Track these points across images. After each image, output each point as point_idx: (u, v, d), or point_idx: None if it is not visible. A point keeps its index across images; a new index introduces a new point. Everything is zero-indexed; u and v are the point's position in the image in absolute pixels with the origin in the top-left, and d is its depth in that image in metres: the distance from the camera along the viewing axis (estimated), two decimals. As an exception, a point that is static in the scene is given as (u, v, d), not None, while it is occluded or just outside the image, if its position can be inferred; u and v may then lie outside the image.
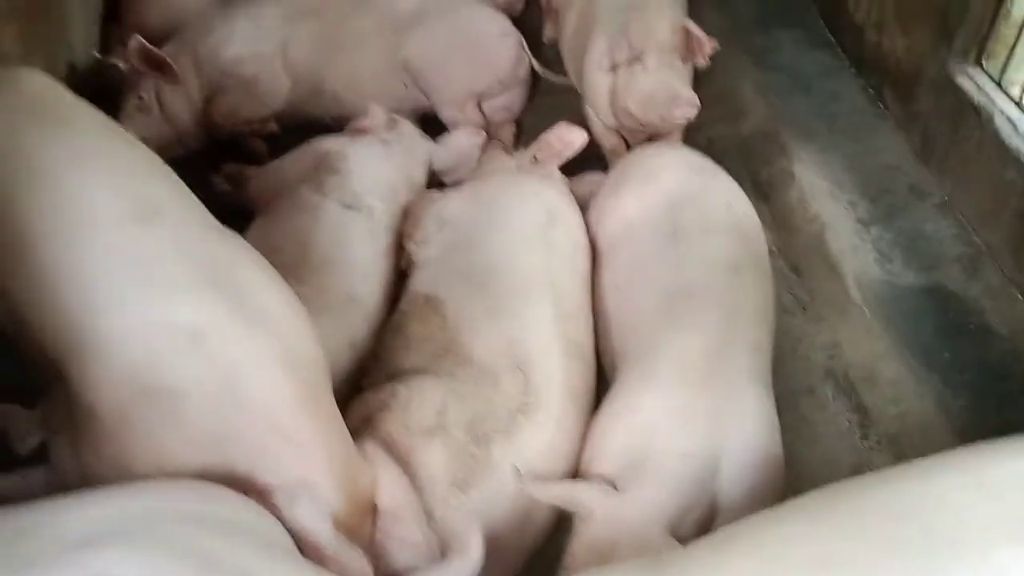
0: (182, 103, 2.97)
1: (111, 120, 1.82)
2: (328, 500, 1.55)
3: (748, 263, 2.13)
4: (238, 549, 1.32)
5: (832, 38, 3.57)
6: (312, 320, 2.07)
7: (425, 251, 2.34)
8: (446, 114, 3.03)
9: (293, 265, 2.24)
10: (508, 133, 3.13)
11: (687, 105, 2.63)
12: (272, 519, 1.48)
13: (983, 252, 2.63)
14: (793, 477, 2.11)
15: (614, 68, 2.77)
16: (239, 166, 2.79)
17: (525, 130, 3.17)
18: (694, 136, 2.97)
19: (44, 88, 1.83)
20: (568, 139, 2.52)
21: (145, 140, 2.66)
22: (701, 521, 1.75)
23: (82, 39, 3.23)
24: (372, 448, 1.74)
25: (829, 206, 2.78)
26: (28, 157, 1.61)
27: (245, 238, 2.35)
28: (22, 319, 1.59)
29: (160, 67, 2.82)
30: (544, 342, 2.02)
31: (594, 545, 1.69)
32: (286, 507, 1.51)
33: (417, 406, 1.88)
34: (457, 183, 2.73)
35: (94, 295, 1.50)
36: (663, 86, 2.66)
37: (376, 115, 2.63)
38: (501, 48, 3.03)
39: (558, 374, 1.98)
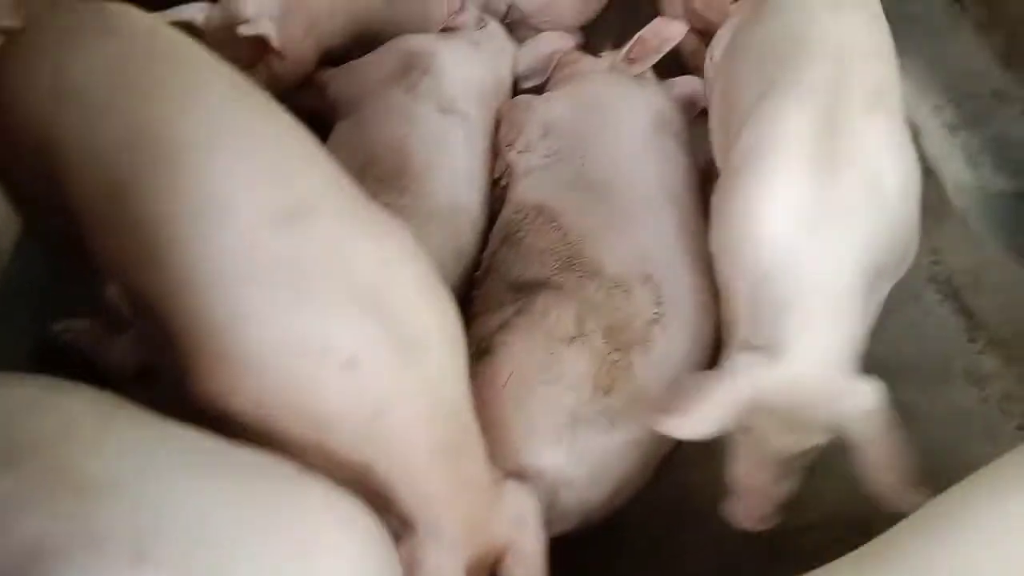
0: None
1: (246, 83, 1.54)
2: (452, 550, 1.46)
3: None
4: None
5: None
6: (421, 230, 2.06)
7: (527, 159, 2.26)
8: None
9: (393, 174, 2.17)
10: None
11: None
12: None
13: (1072, 158, 2.63)
14: (907, 381, 2.14)
15: None
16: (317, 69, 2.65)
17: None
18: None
19: (151, 30, 1.54)
20: (666, 34, 2.42)
21: None
22: None
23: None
24: (518, 499, 1.59)
25: (917, 111, 2.73)
26: (150, 129, 1.39)
27: (329, 144, 2.34)
28: (146, 305, 1.44)
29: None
30: (671, 254, 1.98)
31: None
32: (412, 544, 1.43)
33: (556, 315, 1.85)
34: (534, 88, 2.65)
35: (240, 302, 1.35)
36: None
37: (468, 11, 2.50)
38: None
39: (688, 287, 1.95)
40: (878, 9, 2.00)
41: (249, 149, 1.43)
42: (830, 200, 1.61)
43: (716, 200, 1.85)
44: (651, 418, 1.60)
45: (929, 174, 2.56)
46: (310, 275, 1.38)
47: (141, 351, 1.91)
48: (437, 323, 1.52)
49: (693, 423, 1.56)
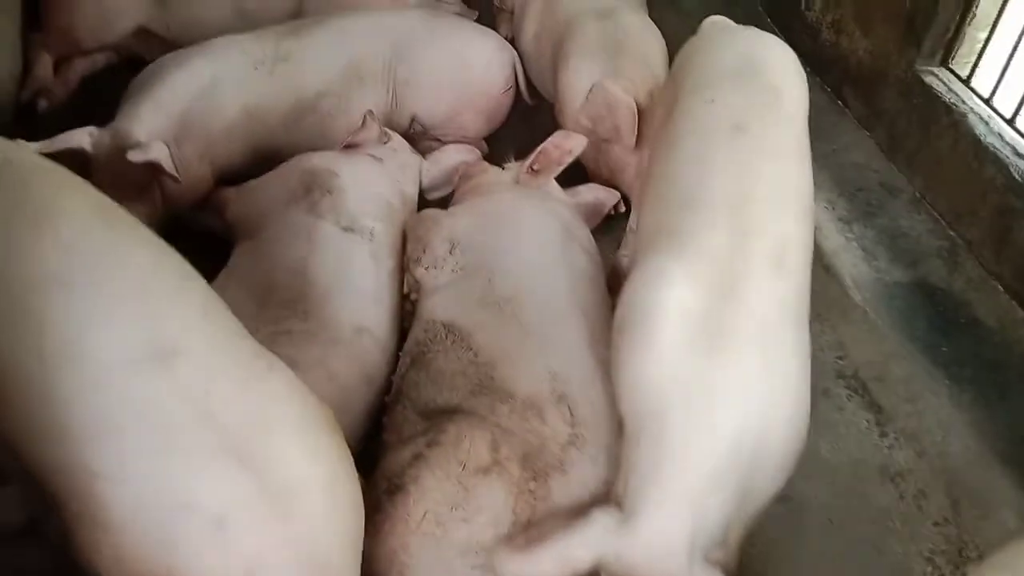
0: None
1: (113, 208, 1.44)
2: None
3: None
4: None
5: (783, 37, 3.63)
6: (326, 355, 2.01)
7: (435, 275, 2.21)
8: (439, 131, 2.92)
9: (295, 298, 2.10)
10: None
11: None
12: None
13: (960, 246, 2.74)
14: (826, 481, 2.15)
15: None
16: (214, 189, 2.59)
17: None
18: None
19: (5, 161, 1.43)
20: (567, 147, 2.43)
21: None
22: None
23: (6, 52, 2.92)
24: None
25: (812, 206, 2.83)
26: (7, 271, 1.29)
27: (228, 268, 2.27)
28: (17, 455, 1.33)
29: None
30: (584, 371, 1.94)
31: None
32: None
33: (469, 443, 1.78)
34: (440, 200, 2.65)
35: (102, 458, 1.26)
36: (632, 168, 2.63)
37: (371, 128, 2.48)
38: (490, 77, 2.96)
39: (602, 403, 1.90)
40: (794, 114, 1.92)
41: (108, 285, 1.33)
42: (713, 378, 1.53)
43: (612, 344, 1.76)
44: (495, 554, 1.56)
45: (828, 269, 2.65)
46: (173, 425, 1.28)
47: (27, 504, 1.77)
48: (315, 471, 1.42)
49: (531, 568, 1.52)
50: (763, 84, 1.91)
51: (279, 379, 1.46)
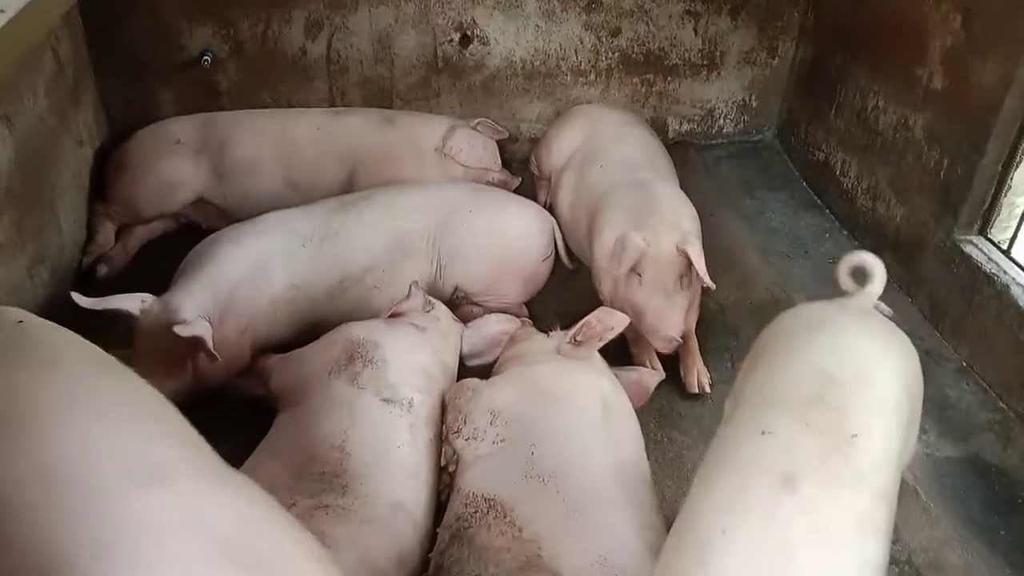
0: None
1: (111, 358, 1.59)
2: None
3: None
4: None
5: (819, 201, 3.71)
6: (361, 535, 1.98)
7: (476, 447, 2.21)
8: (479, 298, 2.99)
9: (333, 473, 2.09)
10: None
11: (664, 341, 2.67)
12: None
13: (1011, 419, 2.66)
14: None
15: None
16: (260, 358, 2.65)
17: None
18: (704, 301, 2.98)
19: (36, 324, 1.60)
20: (609, 323, 2.46)
21: None
22: None
23: (71, 220, 3.09)
24: None
25: (856, 375, 2.78)
26: (17, 406, 1.37)
27: (269, 438, 2.29)
28: None
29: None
30: (635, 558, 1.88)
31: None
32: None
33: None
34: (480, 368, 2.67)
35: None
36: (651, 311, 2.68)
37: (416, 298, 2.54)
38: (530, 247, 3.05)
39: None
40: (868, 469, 1.56)
41: (110, 414, 1.43)
42: None
43: None
44: None
45: (876, 444, 2.57)
46: (173, 538, 1.30)
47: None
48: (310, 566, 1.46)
49: None
50: (834, 421, 1.54)
51: (251, 490, 1.51)
